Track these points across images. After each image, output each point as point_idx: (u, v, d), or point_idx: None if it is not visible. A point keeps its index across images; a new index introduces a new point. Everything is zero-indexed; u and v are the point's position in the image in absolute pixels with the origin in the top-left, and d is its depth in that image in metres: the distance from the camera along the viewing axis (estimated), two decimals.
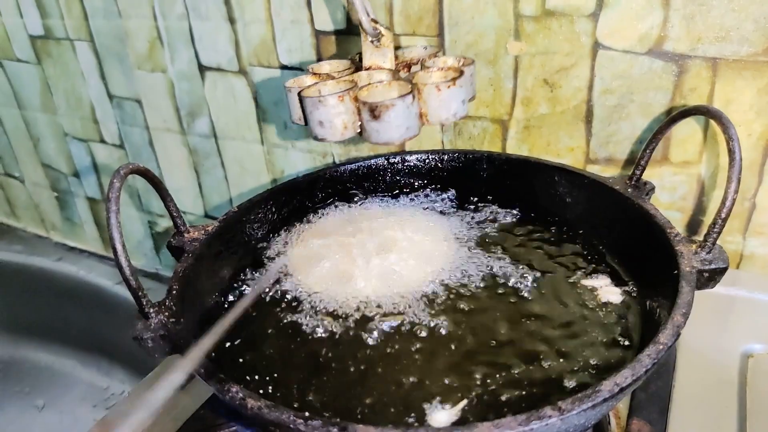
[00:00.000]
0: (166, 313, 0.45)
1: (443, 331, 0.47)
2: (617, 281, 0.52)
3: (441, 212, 0.64)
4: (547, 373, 0.43)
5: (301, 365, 0.46)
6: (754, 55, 0.54)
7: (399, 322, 0.49)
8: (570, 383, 0.42)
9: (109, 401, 1.16)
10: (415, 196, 0.68)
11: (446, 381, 0.43)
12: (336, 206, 0.67)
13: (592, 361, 0.43)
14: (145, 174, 0.50)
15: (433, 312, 0.49)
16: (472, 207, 0.65)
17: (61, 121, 1.11)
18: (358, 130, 0.53)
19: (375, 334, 0.48)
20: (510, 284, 0.52)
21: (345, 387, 0.43)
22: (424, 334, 0.47)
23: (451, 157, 0.68)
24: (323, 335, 0.48)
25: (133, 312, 0.45)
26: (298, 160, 0.85)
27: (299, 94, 0.54)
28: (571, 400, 0.34)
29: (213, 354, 0.47)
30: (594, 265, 0.54)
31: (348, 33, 0.71)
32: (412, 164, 0.69)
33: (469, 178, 0.67)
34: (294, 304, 0.53)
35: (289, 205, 0.65)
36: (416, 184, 0.69)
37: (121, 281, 0.46)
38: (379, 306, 0.51)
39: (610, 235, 0.56)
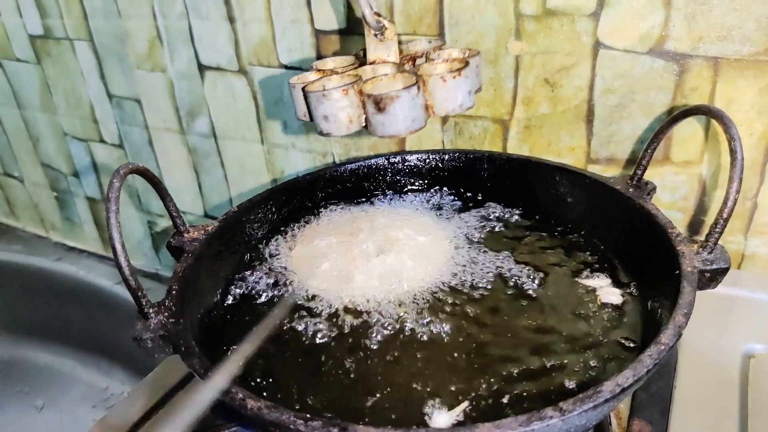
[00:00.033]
0: (166, 314, 0.45)
1: (444, 332, 0.47)
2: (618, 281, 0.52)
3: (441, 212, 0.64)
4: (548, 374, 0.42)
5: (300, 366, 0.46)
6: (755, 54, 0.54)
7: (399, 322, 0.48)
8: (571, 384, 0.41)
9: (109, 401, 1.16)
10: (416, 196, 0.68)
11: (447, 382, 0.42)
12: (336, 206, 0.67)
13: (593, 362, 0.43)
14: (145, 174, 0.50)
15: (433, 312, 0.49)
16: (472, 207, 0.65)
17: (61, 121, 1.10)
18: (364, 124, 0.53)
19: (375, 334, 0.48)
20: (510, 284, 0.52)
21: (345, 388, 0.43)
22: (424, 334, 0.47)
23: (451, 156, 0.68)
24: (323, 336, 0.48)
25: (133, 312, 0.45)
26: (298, 160, 0.85)
27: (303, 89, 0.54)
28: (573, 400, 0.33)
29: (215, 358, 0.47)
30: (595, 265, 0.54)
31: (348, 32, 0.71)
32: (412, 164, 0.69)
33: (469, 177, 0.67)
34: (293, 304, 0.52)
35: (289, 205, 0.65)
36: (417, 183, 0.69)
37: (120, 281, 0.46)
38: (379, 306, 0.50)
39: (612, 235, 0.56)
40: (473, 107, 0.55)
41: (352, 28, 0.70)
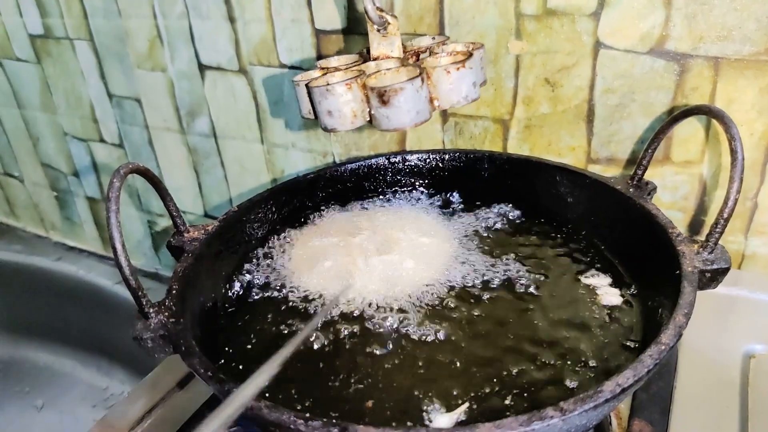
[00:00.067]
0: (166, 313, 0.45)
1: (444, 333, 0.47)
2: (619, 281, 0.52)
3: (442, 212, 0.64)
4: (549, 374, 0.42)
5: (300, 367, 0.46)
6: (756, 54, 0.53)
7: (399, 323, 0.48)
8: (572, 384, 0.41)
9: (109, 401, 1.16)
10: (416, 196, 0.68)
11: (448, 383, 0.42)
12: (336, 206, 0.67)
13: (594, 362, 0.43)
14: (145, 173, 0.50)
15: (433, 313, 0.49)
16: (472, 207, 0.65)
17: (61, 121, 1.10)
18: (368, 118, 0.53)
19: (375, 335, 0.48)
20: (511, 285, 0.52)
21: (345, 389, 0.43)
22: (424, 335, 0.47)
23: (452, 156, 0.68)
24: (323, 336, 0.48)
25: (133, 312, 0.45)
26: (298, 160, 0.85)
27: (307, 85, 0.54)
28: (573, 400, 0.33)
29: (219, 360, 0.47)
30: (596, 265, 0.54)
31: (348, 32, 0.71)
32: (412, 164, 0.69)
33: (470, 177, 0.67)
34: (294, 304, 0.52)
35: (289, 204, 0.65)
36: (417, 183, 0.69)
37: (120, 281, 0.46)
38: (379, 307, 0.50)
39: (612, 235, 0.56)
40: (478, 99, 0.54)
41: (353, 28, 0.70)
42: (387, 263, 0.55)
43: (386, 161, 0.69)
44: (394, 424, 0.40)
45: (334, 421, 0.33)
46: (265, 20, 0.76)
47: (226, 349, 0.49)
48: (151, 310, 0.44)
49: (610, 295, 0.50)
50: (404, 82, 0.49)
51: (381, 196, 0.68)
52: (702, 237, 0.47)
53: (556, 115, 0.64)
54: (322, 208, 0.66)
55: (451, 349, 0.46)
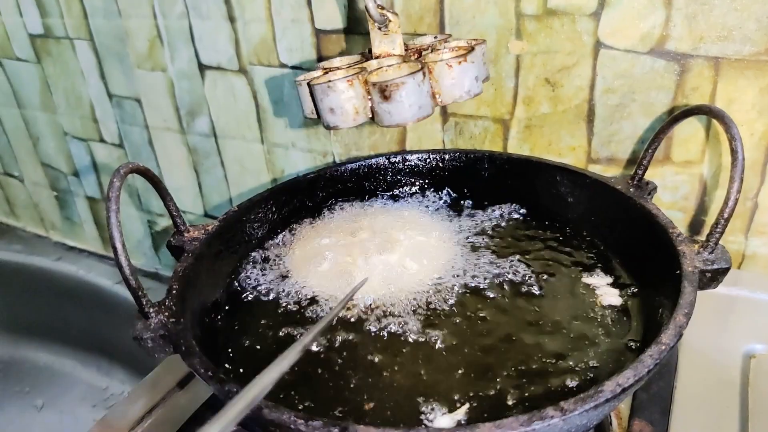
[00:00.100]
0: (166, 313, 0.45)
1: (445, 333, 0.47)
2: (619, 281, 0.52)
3: (442, 212, 0.64)
4: (549, 374, 0.42)
5: (300, 367, 0.46)
6: (756, 54, 0.53)
7: (400, 323, 0.48)
8: (572, 383, 0.41)
9: (109, 401, 1.16)
10: (416, 195, 0.68)
11: (448, 384, 0.42)
12: (336, 206, 0.67)
13: (594, 362, 0.43)
14: (145, 173, 0.50)
15: (433, 313, 0.49)
16: (473, 207, 0.64)
17: (61, 121, 1.10)
18: (370, 115, 0.53)
19: (375, 335, 0.47)
20: (511, 285, 0.52)
21: (345, 389, 0.43)
22: (425, 335, 0.47)
23: (452, 156, 0.68)
24: (322, 337, 0.48)
25: (133, 312, 0.45)
26: (298, 160, 0.85)
27: (309, 83, 0.54)
28: (574, 400, 0.33)
29: (214, 357, 0.47)
30: (596, 265, 0.54)
31: (349, 32, 0.71)
32: (413, 164, 0.69)
33: (470, 177, 0.67)
34: (294, 304, 0.52)
35: (289, 204, 0.65)
36: (417, 183, 0.69)
37: (120, 281, 0.46)
38: (379, 307, 0.50)
39: (612, 235, 0.56)
40: (481, 93, 0.54)
41: (353, 28, 0.70)
42: (387, 263, 0.55)
43: (386, 161, 0.69)
44: (394, 417, 0.40)
45: (334, 420, 0.33)
46: (265, 20, 0.76)
47: (226, 349, 0.49)
48: (151, 310, 0.44)
49: (610, 295, 0.50)
50: (405, 77, 0.49)
51: (381, 196, 0.68)
52: (702, 237, 0.47)
53: (556, 115, 0.64)
54: (323, 208, 0.66)
55: (452, 349, 0.46)
